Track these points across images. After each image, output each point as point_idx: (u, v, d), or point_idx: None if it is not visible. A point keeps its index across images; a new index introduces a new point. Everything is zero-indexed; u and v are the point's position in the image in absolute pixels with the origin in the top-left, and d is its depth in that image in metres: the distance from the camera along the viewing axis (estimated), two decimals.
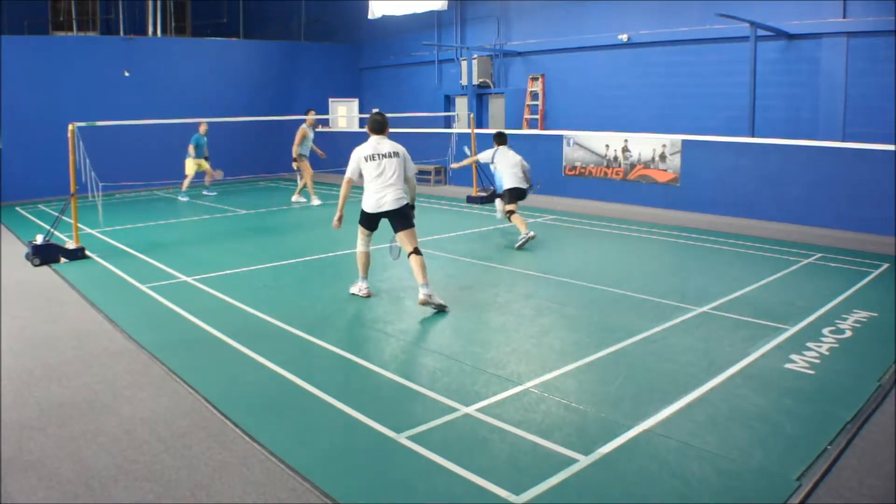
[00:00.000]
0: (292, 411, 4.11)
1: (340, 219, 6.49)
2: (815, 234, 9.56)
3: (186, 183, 14.19)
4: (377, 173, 6.21)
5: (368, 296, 6.57)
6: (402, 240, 6.29)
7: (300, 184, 13.35)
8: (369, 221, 6.41)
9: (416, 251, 6.17)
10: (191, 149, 14.06)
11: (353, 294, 6.64)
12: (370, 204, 6.28)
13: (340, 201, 6.43)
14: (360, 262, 6.60)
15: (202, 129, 14.06)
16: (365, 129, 6.47)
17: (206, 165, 14.37)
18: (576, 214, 11.41)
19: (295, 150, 12.78)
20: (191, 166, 14.13)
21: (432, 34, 18.26)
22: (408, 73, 19.55)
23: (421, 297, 6.00)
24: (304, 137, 12.77)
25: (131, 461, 3.51)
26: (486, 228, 10.27)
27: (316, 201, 13.07)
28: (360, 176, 6.32)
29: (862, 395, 4.21)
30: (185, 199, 14.07)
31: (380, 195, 6.20)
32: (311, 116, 12.95)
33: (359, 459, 3.52)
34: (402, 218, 6.25)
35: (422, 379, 4.55)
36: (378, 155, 6.24)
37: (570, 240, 9.42)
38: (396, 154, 6.29)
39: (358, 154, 6.33)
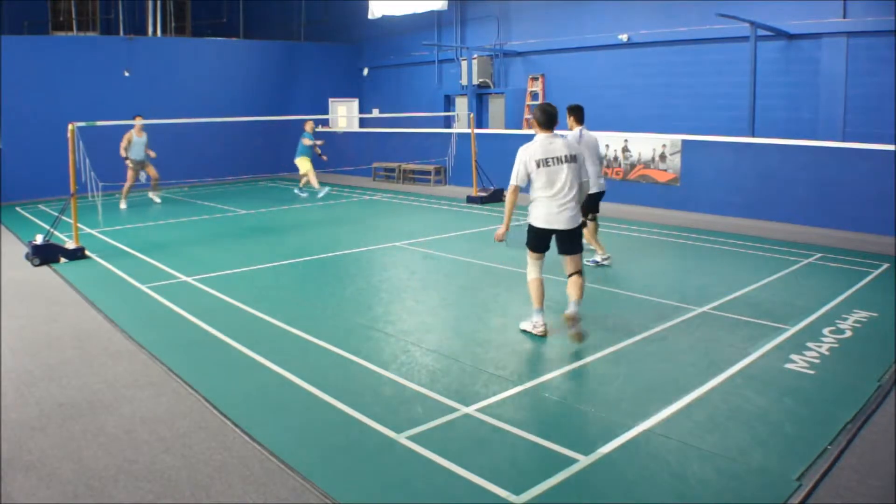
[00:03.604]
0: (292, 411, 4.11)
1: (505, 232, 5.32)
2: (815, 234, 9.55)
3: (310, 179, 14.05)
4: (547, 181, 5.10)
5: (545, 334, 5.36)
6: (567, 263, 5.27)
7: (126, 186, 13.12)
8: (539, 240, 5.30)
9: (579, 273, 5.27)
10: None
11: (525, 331, 5.45)
12: (539, 217, 5.20)
13: (507, 211, 5.27)
14: (534, 290, 5.36)
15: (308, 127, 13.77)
16: (532, 126, 5.43)
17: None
18: None
19: (122, 153, 12.68)
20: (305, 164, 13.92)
21: (432, 34, 18.26)
22: (408, 73, 19.55)
23: (570, 311, 5.13)
24: (129, 142, 12.67)
25: (131, 461, 3.51)
26: (487, 228, 10.26)
27: (122, 204, 12.97)
28: (529, 182, 5.19)
29: (862, 395, 4.21)
30: (305, 194, 14.14)
31: (550, 209, 5.14)
32: (139, 123, 12.64)
33: (359, 459, 3.52)
34: (573, 238, 5.22)
35: (422, 379, 4.55)
36: (552, 160, 5.11)
37: None
38: (574, 158, 5.16)
39: (526, 156, 5.15)
